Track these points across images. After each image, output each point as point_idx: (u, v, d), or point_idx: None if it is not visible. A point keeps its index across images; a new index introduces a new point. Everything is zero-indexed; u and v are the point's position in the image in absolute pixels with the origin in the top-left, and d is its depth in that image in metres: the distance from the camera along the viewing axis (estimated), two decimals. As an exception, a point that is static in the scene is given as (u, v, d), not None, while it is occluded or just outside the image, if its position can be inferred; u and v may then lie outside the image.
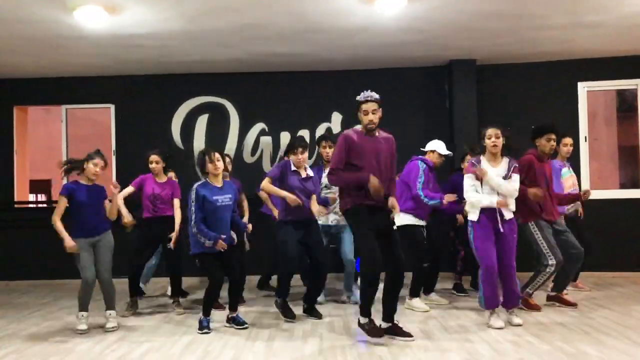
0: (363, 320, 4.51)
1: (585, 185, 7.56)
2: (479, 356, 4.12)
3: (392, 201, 4.55)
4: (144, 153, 5.90)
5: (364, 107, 4.55)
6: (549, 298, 5.70)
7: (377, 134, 4.65)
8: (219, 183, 5.03)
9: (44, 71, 7.63)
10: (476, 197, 4.90)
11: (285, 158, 5.55)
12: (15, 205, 8.04)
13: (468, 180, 4.98)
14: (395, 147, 4.75)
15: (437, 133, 7.62)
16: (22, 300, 6.71)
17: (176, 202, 5.79)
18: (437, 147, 5.77)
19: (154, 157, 5.78)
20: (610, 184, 9.35)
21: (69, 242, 4.91)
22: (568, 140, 6.21)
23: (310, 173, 5.49)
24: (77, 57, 6.93)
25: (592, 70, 7.61)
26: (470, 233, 4.97)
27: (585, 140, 7.64)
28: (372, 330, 4.48)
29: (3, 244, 7.82)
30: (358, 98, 4.58)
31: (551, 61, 7.62)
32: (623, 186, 9.88)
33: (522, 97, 7.70)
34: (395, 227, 4.65)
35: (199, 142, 7.90)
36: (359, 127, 4.74)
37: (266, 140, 7.92)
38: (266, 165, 7.81)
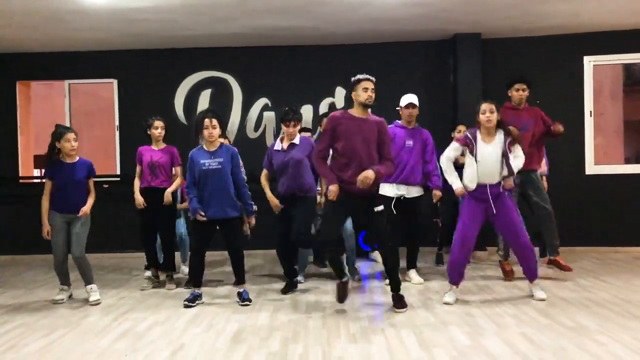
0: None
1: (590, 160, 7.54)
2: (480, 329, 4.16)
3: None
4: (147, 127, 5.90)
5: (364, 84, 4.61)
6: (549, 262, 5.81)
7: (367, 116, 4.70)
8: (213, 147, 5.05)
9: (46, 46, 7.59)
10: (446, 166, 4.96)
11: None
12: (20, 181, 8.08)
13: (451, 147, 4.97)
14: (387, 130, 4.76)
15: (441, 108, 7.62)
16: (28, 274, 6.79)
17: (177, 169, 5.78)
18: (401, 102, 5.69)
19: (159, 123, 5.76)
20: (615, 159, 9.31)
21: (44, 228, 5.11)
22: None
23: (297, 141, 5.44)
24: (79, 31, 6.89)
25: (599, 44, 7.51)
26: (462, 201, 5.05)
27: (591, 115, 7.59)
28: (339, 288, 4.75)
29: (8, 218, 7.88)
30: (356, 77, 4.65)
31: (557, 35, 7.52)
32: (628, 161, 9.86)
33: (527, 71, 7.53)
34: (377, 210, 4.67)
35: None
36: (348, 110, 4.77)
37: (269, 115, 7.90)
38: (269, 141, 7.79)
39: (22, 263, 7.49)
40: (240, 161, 5.23)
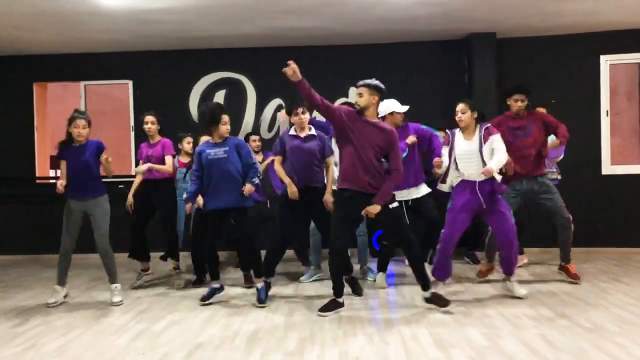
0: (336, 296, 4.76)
1: (606, 160, 7.48)
2: (497, 330, 4.14)
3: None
4: (161, 128, 5.97)
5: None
6: (559, 268, 5.75)
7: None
8: (220, 140, 5.08)
9: (62, 48, 7.67)
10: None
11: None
12: (37, 181, 8.16)
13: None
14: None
15: (455, 108, 7.56)
16: (45, 273, 6.84)
17: (167, 159, 5.78)
18: (392, 107, 5.42)
19: (149, 118, 5.87)
20: (632, 158, 9.22)
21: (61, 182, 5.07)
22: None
23: (313, 132, 5.42)
24: (94, 33, 6.94)
25: (615, 43, 7.45)
26: (451, 198, 5.04)
27: (607, 115, 7.52)
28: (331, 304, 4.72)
29: (26, 218, 7.97)
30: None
31: (573, 34, 7.47)
32: (644, 161, 9.75)
33: (542, 71, 7.58)
34: (391, 207, 4.63)
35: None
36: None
37: (283, 115, 7.91)
38: (283, 141, 7.81)
39: (39, 262, 7.56)
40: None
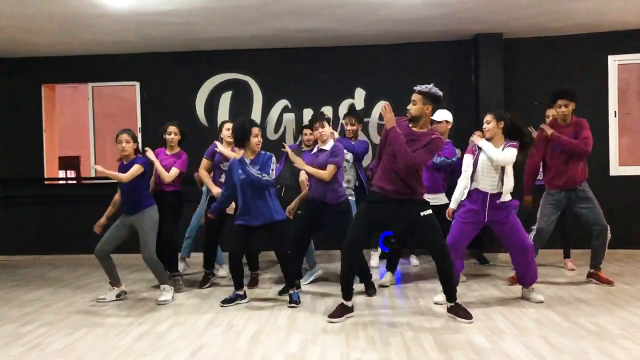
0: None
1: (615, 161, 7.42)
2: (500, 333, 4.12)
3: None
4: (162, 132, 5.96)
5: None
6: (588, 275, 5.68)
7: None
8: (253, 156, 5.02)
9: (70, 49, 7.72)
10: (463, 184, 4.92)
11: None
12: (46, 182, 8.23)
13: (465, 160, 4.97)
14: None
15: (462, 109, 7.56)
16: (52, 274, 6.91)
17: (173, 170, 5.64)
18: (446, 116, 5.85)
19: (172, 128, 5.82)
20: (641, 159, 9.15)
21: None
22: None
23: (329, 146, 5.32)
24: (102, 34, 6.99)
25: (624, 42, 7.38)
26: (461, 206, 4.94)
27: (615, 115, 7.46)
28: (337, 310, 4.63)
29: (34, 219, 8.03)
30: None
31: (580, 34, 7.41)
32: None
33: (550, 71, 7.53)
34: (422, 215, 4.48)
35: (222, 119, 7.94)
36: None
37: (289, 117, 7.92)
38: (289, 142, 7.82)
39: (47, 263, 7.63)
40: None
